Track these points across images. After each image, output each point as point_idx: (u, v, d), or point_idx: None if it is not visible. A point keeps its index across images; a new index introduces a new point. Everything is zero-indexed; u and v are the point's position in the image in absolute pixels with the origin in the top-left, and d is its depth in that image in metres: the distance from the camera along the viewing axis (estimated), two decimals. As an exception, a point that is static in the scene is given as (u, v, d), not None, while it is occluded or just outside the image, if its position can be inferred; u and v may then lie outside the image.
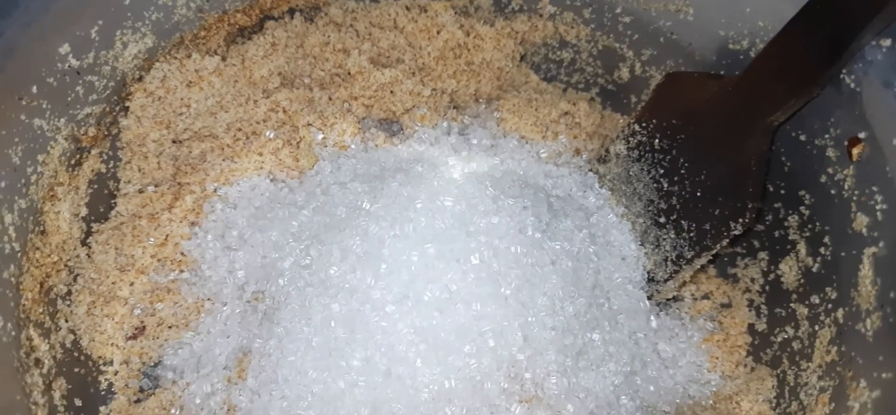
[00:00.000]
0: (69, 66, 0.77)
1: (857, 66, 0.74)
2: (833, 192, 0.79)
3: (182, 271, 0.88)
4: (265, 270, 0.87)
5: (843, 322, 0.77)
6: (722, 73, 0.88)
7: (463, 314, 0.80)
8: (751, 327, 0.90)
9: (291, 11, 0.94)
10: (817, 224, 0.82)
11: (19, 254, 0.75)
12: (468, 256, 0.81)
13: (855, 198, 0.76)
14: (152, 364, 0.85)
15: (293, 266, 0.85)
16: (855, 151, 0.75)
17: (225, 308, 0.87)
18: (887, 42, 0.72)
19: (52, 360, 0.77)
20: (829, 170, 0.79)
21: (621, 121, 0.98)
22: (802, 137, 0.82)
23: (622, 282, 0.90)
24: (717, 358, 0.89)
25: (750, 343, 0.90)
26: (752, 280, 0.91)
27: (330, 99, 0.93)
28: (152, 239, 0.87)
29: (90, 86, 0.81)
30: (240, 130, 0.91)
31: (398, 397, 0.78)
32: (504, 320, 0.80)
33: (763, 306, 0.90)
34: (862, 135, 0.74)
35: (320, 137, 0.92)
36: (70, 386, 0.78)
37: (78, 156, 0.82)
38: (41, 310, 0.77)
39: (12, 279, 0.73)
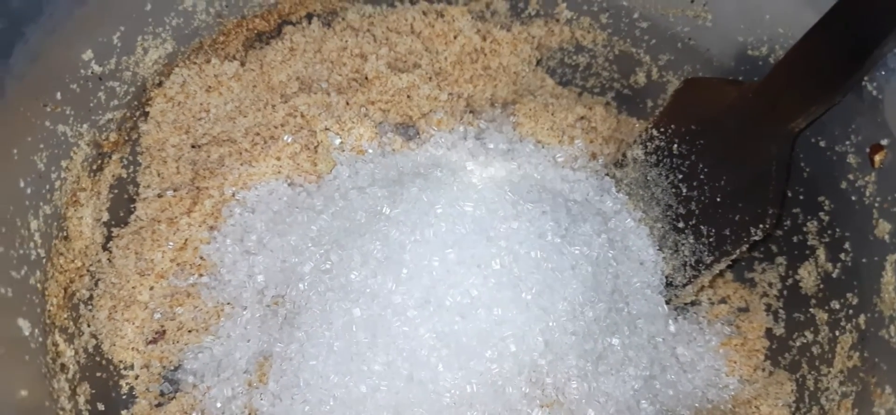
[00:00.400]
0: (92, 72, 0.77)
1: (880, 73, 0.74)
2: (854, 198, 0.79)
3: (201, 276, 0.88)
4: (285, 275, 0.87)
5: (865, 328, 0.77)
6: (740, 79, 0.88)
7: (484, 319, 0.80)
8: (769, 331, 0.90)
9: (309, 17, 0.94)
10: (837, 230, 0.82)
11: (44, 260, 0.75)
12: (489, 261, 0.81)
13: (877, 204, 0.76)
14: (173, 368, 0.85)
15: (313, 271, 0.85)
16: (877, 158, 0.75)
17: (245, 312, 0.87)
18: (910, 49, 0.72)
19: (76, 365, 0.77)
20: (850, 176, 0.79)
21: (638, 126, 0.98)
22: (822, 143, 0.82)
23: (641, 286, 0.90)
24: (735, 362, 0.89)
25: (768, 347, 0.90)
26: (770, 285, 0.91)
27: (347, 103, 0.93)
28: (172, 243, 0.87)
29: (112, 91, 0.81)
30: (258, 134, 0.91)
31: (420, 401, 0.78)
32: (525, 326, 0.80)
33: (781, 311, 0.90)
34: (884, 142, 0.75)
35: (338, 141, 0.92)
36: (93, 391, 0.78)
37: (99, 161, 0.82)
38: (65, 315, 0.77)
39: (38, 285, 0.73)
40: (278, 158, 0.92)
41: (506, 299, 0.80)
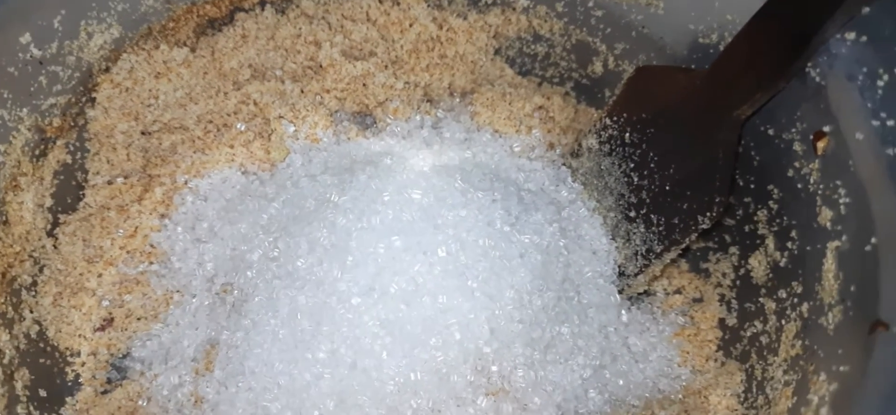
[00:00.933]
0: (31, 56, 0.77)
1: (822, 59, 0.73)
2: (799, 186, 0.78)
3: (151, 263, 0.88)
4: (234, 263, 0.87)
5: (807, 316, 0.76)
6: (693, 67, 0.87)
7: (429, 307, 0.80)
8: (721, 321, 0.90)
9: (262, 3, 0.93)
10: (785, 218, 0.82)
11: (-21, 244, 0.75)
12: (435, 248, 0.81)
13: (820, 192, 0.76)
14: (120, 356, 0.85)
15: (262, 258, 0.85)
16: (820, 145, 0.75)
17: (194, 300, 0.87)
18: (851, 35, 0.71)
19: (14, 350, 0.77)
20: (796, 164, 0.78)
21: (595, 115, 0.98)
22: (771, 131, 0.82)
23: (593, 276, 0.89)
24: (687, 352, 0.89)
25: (720, 338, 0.89)
26: (724, 275, 0.91)
27: (302, 92, 0.93)
28: (121, 231, 0.87)
29: (54, 76, 0.80)
30: (210, 122, 0.91)
31: (364, 389, 0.78)
32: (470, 313, 0.80)
33: (734, 301, 0.90)
34: (826, 128, 0.74)
35: (292, 129, 0.92)
36: (33, 377, 0.78)
37: (42, 146, 0.82)
38: (3, 300, 0.77)
39: (-28, 270, 0.73)
40: (231, 147, 0.91)
41: (451, 287, 0.80)
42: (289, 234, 0.85)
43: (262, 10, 0.93)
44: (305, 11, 0.94)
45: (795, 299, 0.79)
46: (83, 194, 0.87)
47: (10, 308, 0.78)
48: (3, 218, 0.78)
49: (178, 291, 0.87)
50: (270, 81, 0.92)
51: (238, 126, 0.91)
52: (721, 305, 0.91)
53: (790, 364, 0.77)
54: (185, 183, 0.90)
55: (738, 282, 0.90)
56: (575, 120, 0.98)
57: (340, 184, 0.87)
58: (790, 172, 0.79)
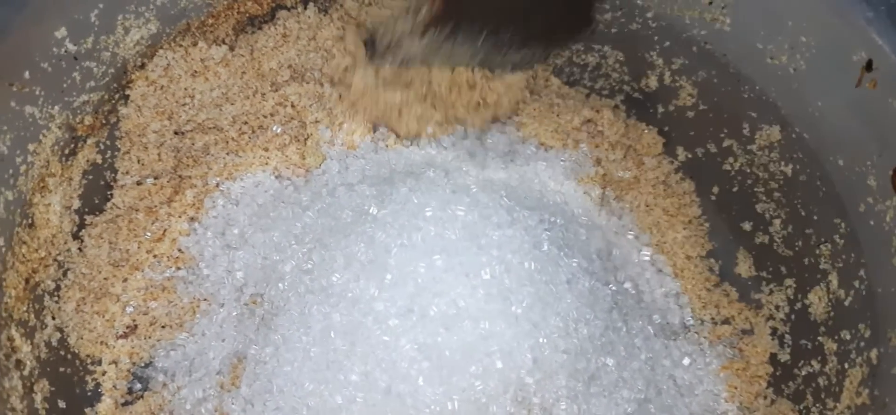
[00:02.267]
0: (66, 51, 0.73)
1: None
2: (872, 223, 0.74)
3: (178, 269, 0.84)
4: (265, 273, 0.83)
5: (877, 364, 0.72)
6: (757, 87, 0.83)
7: (470, 332, 0.75)
8: (773, 357, 0.86)
9: (305, 1, 0.89)
10: (853, 255, 0.77)
11: (4, 249, 0.71)
12: (479, 270, 0.77)
13: (897, 232, 0.71)
14: (143, 365, 0.81)
15: (294, 270, 0.82)
16: (900, 183, 0.70)
17: (221, 310, 0.83)
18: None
19: (34, 360, 0.73)
20: (870, 199, 0.74)
21: (646, 132, 0.94)
22: (841, 162, 0.77)
23: (641, 306, 0.85)
24: (735, 387, 0.85)
25: (771, 374, 0.85)
26: (777, 307, 0.87)
27: (340, 96, 0.89)
28: (149, 234, 0.84)
29: (88, 72, 0.77)
30: (245, 123, 0.88)
31: (398, 416, 0.74)
32: (513, 341, 0.75)
33: (787, 336, 0.85)
34: (909, 166, 0.70)
35: (329, 134, 0.88)
36: (53, 388, 0.74)
37: (72, 145, 0.78)
38: (25, 307, 0.73)
39: (-5, 276, 0.70)
40: (266, 149, 0.88)
41: (494, 312, 0.76)
42: (324, 246, 0.81)
43: (305, 8, 0.89)
44: (349, 12, 0.90)
45: (862, 343, 0.75)
46: (111, 195, 0.84)
47: (32, 316, 0.74)
48: (29, 221, 0.74)
49: (205, 300, 0.84)
50: (309, 84, 0.89)
51: (274, 128, 0.88)
52: (773, 339, 0.86)
53: (855, 412, 0.73)
54: (217, 185, 0.87)
55: (793, 316, 0.85)
56: (625, 135, 0.94)
57: (379, 195, 0.83)
58: (862, 208, 0.75)
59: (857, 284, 0.77)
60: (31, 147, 0.73)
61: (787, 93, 0.81)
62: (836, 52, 0.75)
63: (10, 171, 0.71)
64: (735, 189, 0.90)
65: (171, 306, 0.83)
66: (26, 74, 0.71)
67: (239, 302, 0.83)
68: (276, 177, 0.88)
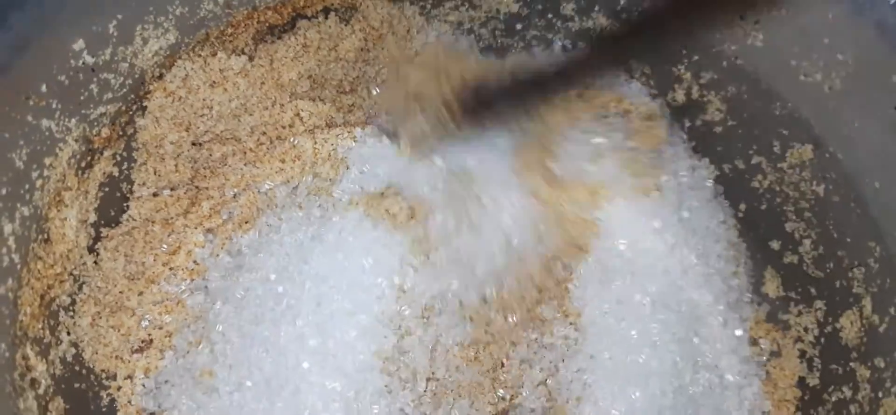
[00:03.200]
0: (83, 63, 0.72)
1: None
2: (910, 248, 0.72)
3: (193, 281, 0.83)
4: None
5: (914, 395, 0.70)
6: (788, 104, 0.81)
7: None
8: (801, 380, 0.84)
9: (326, 11, 0.87)
10: (888, 281, 0.75)
11: (19, 266, 0.69)
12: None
13: (937, 259, 0.69)
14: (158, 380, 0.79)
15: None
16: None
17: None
18: None
19: (50, 379, 0.72)
20: (908, 224, 0.72)
21: (670, 147, 0.91)
22: (877, 185, 0.75)
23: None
24: (766, 413, 0.83)
25: (800, 398, 0.83)
26: (806, 330, 0.85)
27: (353, 106, 0.87)
28: (165, 246, 0.82)
29: (105, 84, 0.75)
30: (264, 134, 0.86)
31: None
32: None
33: (816, 360, 0.83)
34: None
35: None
36: (68, 406, 0.73)
37: (89, 158, 0.77)
38: (40, 325, 0.72)
39: (10, 295, 0.68)
40: (283, 161, 0.86)
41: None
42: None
43: (326, 18, 0.87)
44: (371, 23, 0.88)
45: (898, 372, 0.73)
46: (127, 207, 0.82)
47: (47, 332, 0.73)
48: (45, 236, 0.72)
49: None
50: (329, 92, 0.87)
51: (292, 140, 0.86)
52: (801, 362, 0.84)
53: (890, 445, 0.71)
54: (234, 197, 0.85)
55: (823, 340, 0.83)
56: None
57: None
58: (899, 232, 0.73)
59: (893, 310, 0.74)
60: (47, 161, 0.71)
61: (820, 111, 0.79)
62: (875, 72, 0.73)
63: (27, 186, 0.70)
64: (763, 207, 0.88)
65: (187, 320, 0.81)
66: (43, 88, 0.69)
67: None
68: (293, 188, 0.86)
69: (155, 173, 0.83)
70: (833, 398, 0.80)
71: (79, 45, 0.71)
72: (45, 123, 0.70)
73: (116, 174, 0.81)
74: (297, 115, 0.86)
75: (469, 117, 0.78)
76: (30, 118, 0.69)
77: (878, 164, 0.75)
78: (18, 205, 0.69)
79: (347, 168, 0.86)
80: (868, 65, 0.73)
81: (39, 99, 0.69)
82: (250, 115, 0.85)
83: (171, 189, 0.83)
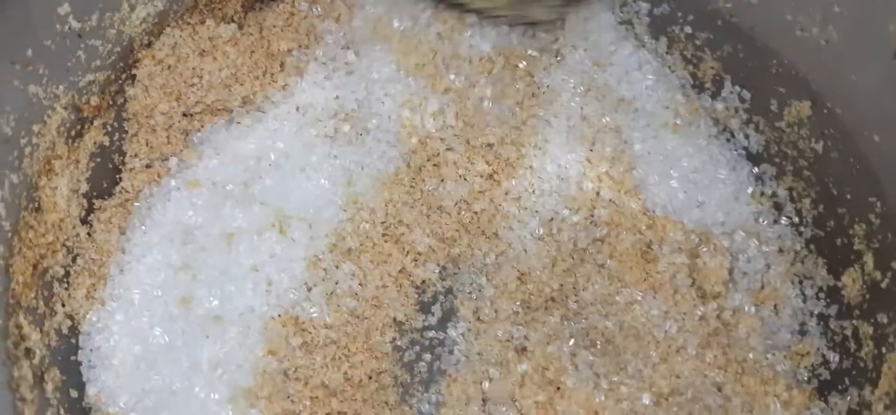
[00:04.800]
0: (70, 28, 0.71)
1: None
2: (911, 200, 0.71)
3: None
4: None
5: (918, 348, 0.69)
6: (785, 61, 0.80)
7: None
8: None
9: (314, -23, 0.86)
10: (889, 236, 0.74)
11: (10, 234, 0.68)
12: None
13: (938, 209, 0.68)
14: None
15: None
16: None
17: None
18: None
19: (44, 348, 0.71)
20: (907, 176, 0.71)
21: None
22: (876, 138, 0.74)
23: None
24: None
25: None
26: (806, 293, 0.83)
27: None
28: (158, 218, 0.81)
29: (93, 51, 0.74)
30: (253, 103, 0.85)
31: None
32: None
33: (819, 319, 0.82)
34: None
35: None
36: (64, 377, 0.72)
37: (79, 127, 0.76)
38: (33, 294, 0.71)
39: (1, 262, 0.67)
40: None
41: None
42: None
43: (314, -16, 0.86)
44: (360, -10, 0.87)
45: (902, 327, 0.72)
46: (120, 178, 0.81)
47: (41, 303, 0.72)
48: (36, 205, 0.72)
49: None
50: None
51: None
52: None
53: (894, 399, 0.70)
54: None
55: (825, 298, 0.82)
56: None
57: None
58: (899, 185, 0.72)
59: (895, 265, 0.73)
60: (35, 128, 0.70)
61: (818, 66, 0.79)
62: (872, 22, 0.72)
63: (15, 152, 0.69)
64: (761, 167, 0.87)
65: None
66: (29, 52, 0.68)
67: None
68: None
69: (147, 144, 0.82)
70: (837, 357, 0.79)
71: (64, 9, 0.70)
72: (32, 88, 0.69)
73: (108, 144, 0.80)
74: (285, 86, 0.85)
75: None
76: (16, 83, 0.68)
77: (878, 117, 0.74)
78: (8, 172, 0.68)
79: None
80: (864, 15, 0.73)
81: (26, 63, 0.68)
82: (241, 85, 0.84)
83: (164, 160, 0.82)
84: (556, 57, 0.86)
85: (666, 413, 0.74)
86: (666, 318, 0.78)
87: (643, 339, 0.77)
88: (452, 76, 0.84)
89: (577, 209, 0.83)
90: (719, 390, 0.76)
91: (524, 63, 0.85)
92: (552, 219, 0.83)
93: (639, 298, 0.79)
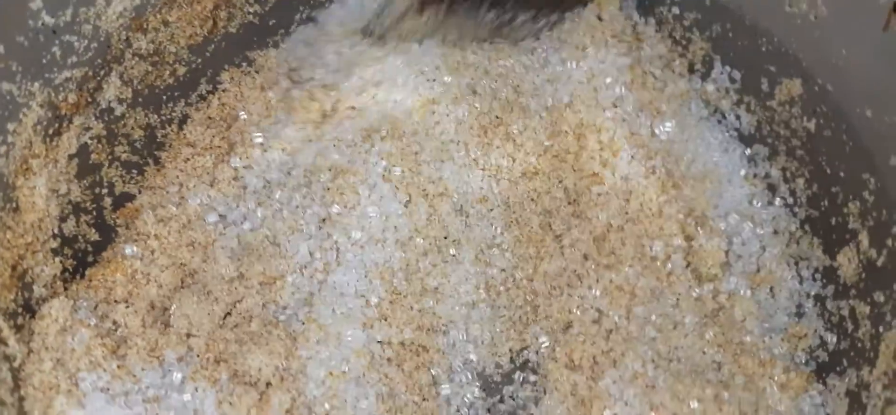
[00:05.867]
0: (43, 24, 0.69)
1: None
2: (905, 176, 0.70)
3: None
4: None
5: (915, 326, 0.68)
6: (775, 39, 0.79)
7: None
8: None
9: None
10: (884, 212, 0.73)
11: (-14, 234, 0.68)
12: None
13: (933, 184, 0.67)
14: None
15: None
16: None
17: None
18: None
19: (25, 352, 0.70)
20: (901, 151, 0.70)
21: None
22: (868, 114, 0.73)
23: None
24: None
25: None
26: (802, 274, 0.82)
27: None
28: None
29: (69, 47, 0.73)
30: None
31: None
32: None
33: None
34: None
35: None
36: (45, 381, 0.71)
37: (56, 125, 0.74)
38: (12, 296, 0.70)
39: (-22, 264, 0.66)
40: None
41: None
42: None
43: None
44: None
45: (898, 305, 0.71)
46: (101, 178, 0.80)
47: (20, 307, 0.71)
48: (14, 205, 0.70)
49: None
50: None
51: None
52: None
53: (892, 378, 0.69)
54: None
55: (821, 279, 0.81)
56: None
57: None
58: (893, 161, 0.71)
59: (890, 242, 0.72)
60: (10, 127, 0.69)
61: (808, 43, 0.78)
62: (862, -5, 0.71)
63: (-10, 151, 0.68)
64: (754, 148, 0.86)
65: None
66: (1, 49, 0.67)
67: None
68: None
69: (129, 142, 0.81)
70: (834, 338, 0.78)
71: (36, 4, 0.69)
72: (5, 86, 0.68)
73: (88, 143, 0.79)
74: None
75: None
76: (-11, 80, 0.67)
77: (869, 91, 0.73)
78: (-18, 171, 0.67)
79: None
80: (853, -13, 0.72)
81: (-2, 60, 0.67)
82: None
83: (152, 161, 0.81)
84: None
85: (665, 380, 0.73)
86: (662, 298, 0.77)
87: (639, 317, 0.76)
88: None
89: (573, 199, 0.82)
90: (719, 367, 0.75)
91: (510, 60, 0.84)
92: (548, 208, 0.82)
93: (634, 280, 0.78)
